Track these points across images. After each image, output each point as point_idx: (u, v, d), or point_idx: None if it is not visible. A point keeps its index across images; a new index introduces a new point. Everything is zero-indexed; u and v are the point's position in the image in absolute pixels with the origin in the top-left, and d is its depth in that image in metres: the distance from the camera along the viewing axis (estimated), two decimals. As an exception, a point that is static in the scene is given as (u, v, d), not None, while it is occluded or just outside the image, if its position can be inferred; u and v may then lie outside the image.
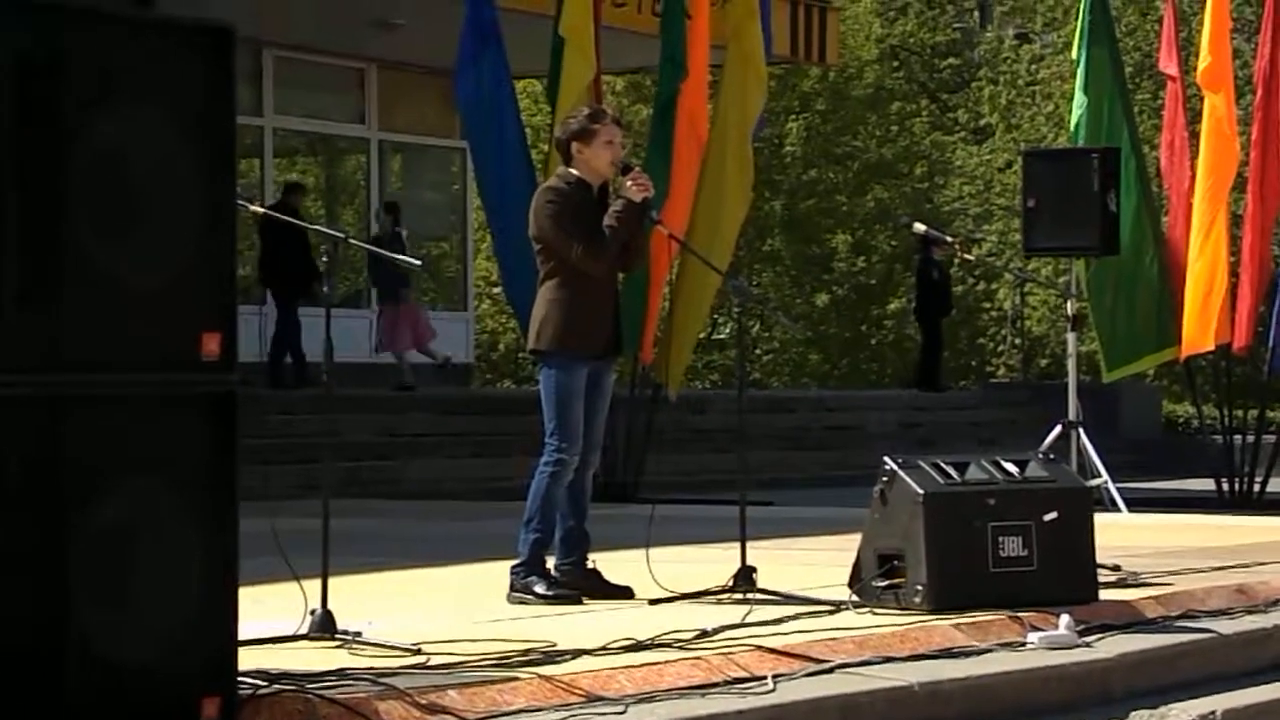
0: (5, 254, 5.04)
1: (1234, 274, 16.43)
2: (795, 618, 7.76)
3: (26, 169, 5.10)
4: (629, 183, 8.60)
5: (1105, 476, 14.54)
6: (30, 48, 5.11)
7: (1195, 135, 16.53)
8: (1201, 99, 16.66)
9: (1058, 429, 14.58)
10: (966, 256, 23.72)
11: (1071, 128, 16.38)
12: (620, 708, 6.06)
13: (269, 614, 7.01)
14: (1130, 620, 8.29)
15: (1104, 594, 8.50)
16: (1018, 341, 28.73)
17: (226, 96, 5.53)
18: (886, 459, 8.31)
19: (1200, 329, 15.93)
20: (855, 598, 8.20)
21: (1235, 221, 16.98)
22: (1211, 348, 16.13)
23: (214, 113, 5.50)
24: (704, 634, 7.17)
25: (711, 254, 13.84)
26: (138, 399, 5.34)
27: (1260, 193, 16.37)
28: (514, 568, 8.56)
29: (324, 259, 7.64)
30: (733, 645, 7.00)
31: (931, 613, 7.89)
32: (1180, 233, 16.42)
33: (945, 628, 7.65)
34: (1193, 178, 16.30)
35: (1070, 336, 15.33)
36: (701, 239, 14.89)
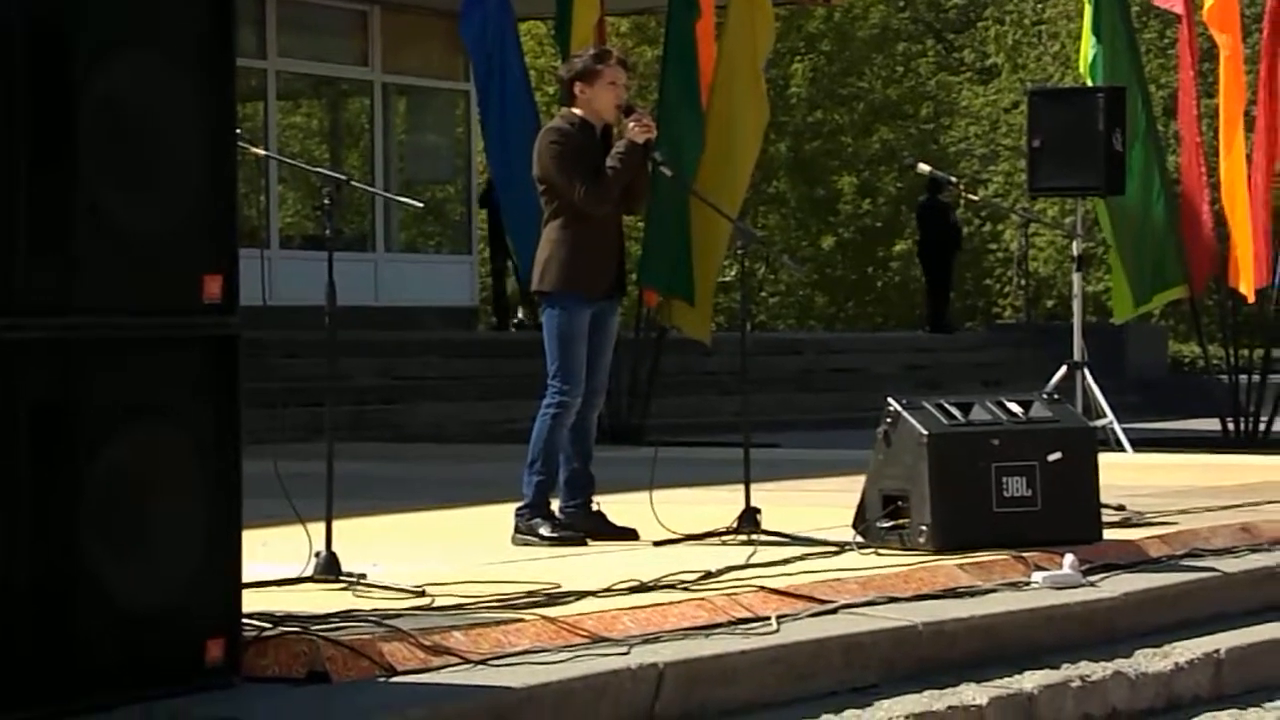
0: (17, 201, 5.04)
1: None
2: (800, 559, 7.77)
3: (37, 120, 5.08)
4: (631, 124, 8.58)
5: (1110, 416, 14.54)
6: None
7: (1201, 75, 16.42)
8: (1209, 38, 16.57)
9: (1063, 369, 14.57)
10: (971, 197, 23.63)
11: (1085, 69, 16.28)
12: (624, 649, 6.07)
13: (274, 556, 7.03)
14: (1134, 559, 8.29)
15: (1108, 533, 8.50)
16: (1023, 283, 28.71)
17: (227, 39, 5.51)
18: (890, 400, 8.30)
19: (1244, 272, 15.85)
20: (860, 538, 8.20)
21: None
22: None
23: (215, 56, 5.49)
24: (708, 575, 7.18)
25: (721, 197, 13.75)
26: (143, 342, 5.34)
27: (1268, 132, 16.29)
28: (519, 510, 8.57)
29: (326, 202, 7.61)
30: (737, 586, 7.01)
31: (936, 553, 7.90)
32: (1190, 170, 16.37)
33: (949, 568, 7.66)
34: (1199, 116, 16.22)
35: (1076, 277, 15.29)
36: (710, 182, 14.75)
